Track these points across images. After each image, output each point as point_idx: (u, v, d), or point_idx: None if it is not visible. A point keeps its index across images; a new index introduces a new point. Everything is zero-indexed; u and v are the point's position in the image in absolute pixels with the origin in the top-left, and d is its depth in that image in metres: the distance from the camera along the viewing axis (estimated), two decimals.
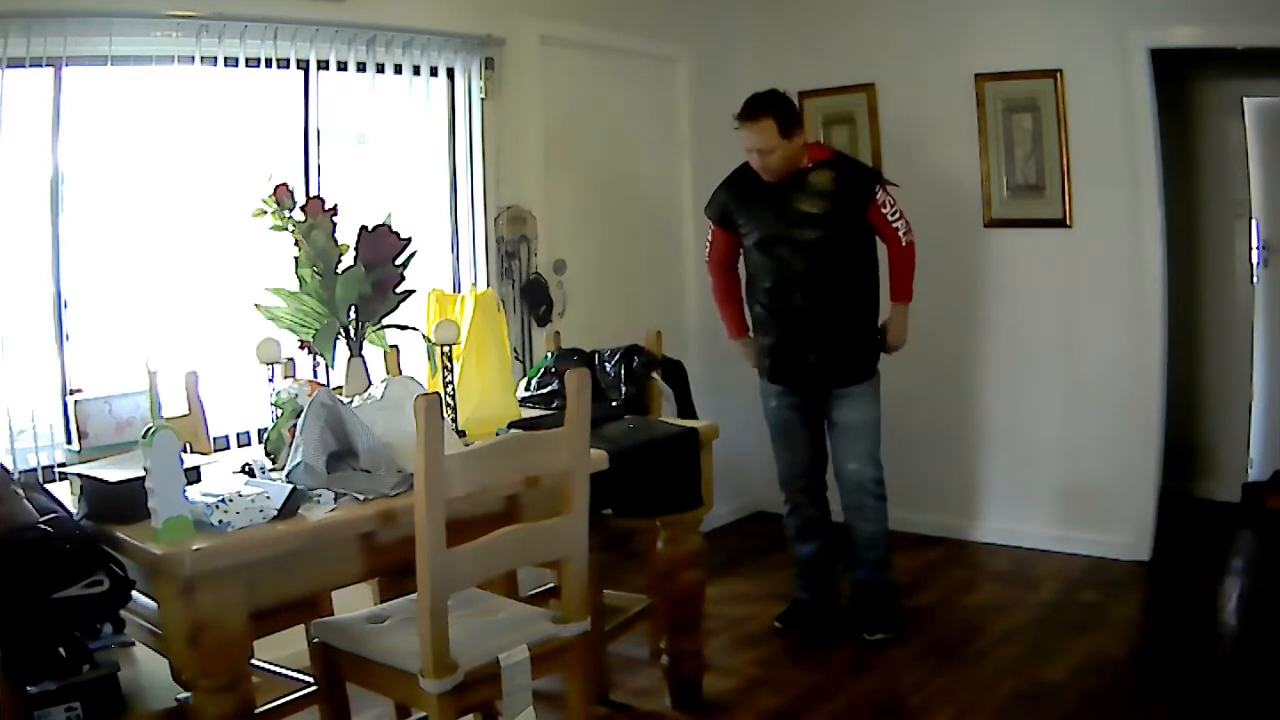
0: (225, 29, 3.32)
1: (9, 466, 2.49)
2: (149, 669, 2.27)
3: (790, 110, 3.55)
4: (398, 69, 3.81)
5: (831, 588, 3.90)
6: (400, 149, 3.86)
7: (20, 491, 2.16)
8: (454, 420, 2.76)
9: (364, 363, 2.78)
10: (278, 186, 2.66)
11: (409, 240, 2.74)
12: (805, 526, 3.82)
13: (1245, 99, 4.90)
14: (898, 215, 3.62)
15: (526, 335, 4.29)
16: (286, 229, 2.66)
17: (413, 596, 2.18)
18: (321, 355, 2.71)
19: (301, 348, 2.76)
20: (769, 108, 3.52)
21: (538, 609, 2.58)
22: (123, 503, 2.13)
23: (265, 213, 2.67)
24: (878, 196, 3.59)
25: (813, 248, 3.57)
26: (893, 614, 3.76)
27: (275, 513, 2.11)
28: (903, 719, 3.16)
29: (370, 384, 2.71)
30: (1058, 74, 4.33)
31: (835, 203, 3.54)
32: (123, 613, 2.15)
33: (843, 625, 3.79)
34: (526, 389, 3.41)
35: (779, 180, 3.57)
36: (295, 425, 2.37)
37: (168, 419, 2.63)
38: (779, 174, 3.56)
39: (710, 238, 3.88)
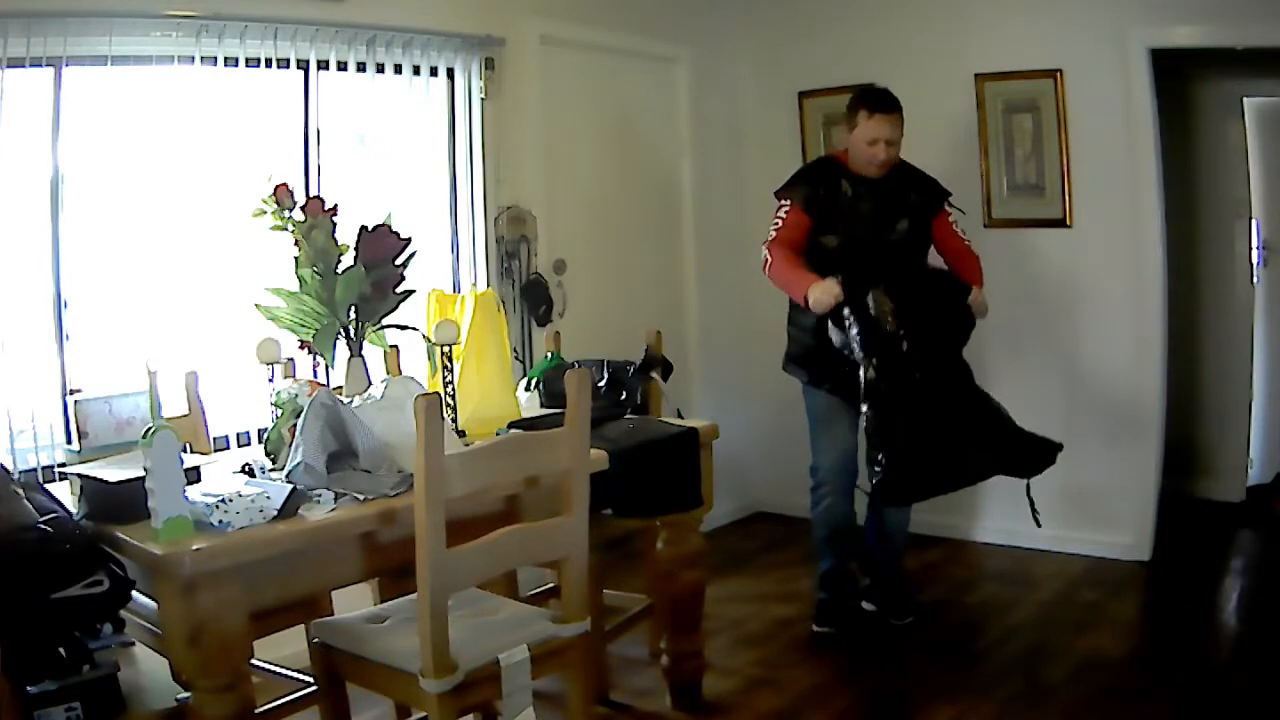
0: (225, 29, 3.32)
1: (9, 466, 2.49)
2: (149, 669, 2.27)
3: None
4: (398, 69, 3.81)
5: (852, 586, 3.91)
6: (400, 149, 3.86)
7: (20, 491, 2.16)
8: (454, 420, 2.76)
9: (364, 363, 2.78)
10: (278, 186, 2.66)
11: (409, 240, 2.74)
12: (841, 527, 3.72)
13: (1245, 99, 4.90)
14: (964, 233, 3.79)
15: (526, 335, 4.29)
16: (286, 229, 2.66)
17: (413, 596, 2.18)
18: (321, 355, 2.71)
19: (301, 348, 2.76)
20: (899, 103, 3.59)
21: (538, 609, 2.58)
22: (123, 503, 2.13)
23: (265, 213, 2.67)
24: (948, 207, 3.75)
25: (899, 249, 3.64)
26: (914, 598, 3.92)
27: (275, 513, 2.11)
28: (902, 719, 3.16)
29: (370, 384, 2.71)
30: (1058, 74, 4.34)
31: (919, 206, 3.67)
32: (123, 613, 2.15)
33: (866, 617, 3.87)
34: (527, 389, 3.41)
35: (878, 178, 3.62)
36: (295, 425, 2.37)
37: (168, 419, 2.63)
38: (889, 168, 3.63)
39: (783, 218, 3.63)
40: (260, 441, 2.96)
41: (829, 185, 3.63)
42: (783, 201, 3.67)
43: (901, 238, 3.63)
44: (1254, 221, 5.03)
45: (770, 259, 3.60)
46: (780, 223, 3.64)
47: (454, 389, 2.79)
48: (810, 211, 3.61)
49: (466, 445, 2.41)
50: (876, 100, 3.57)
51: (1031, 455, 3.49)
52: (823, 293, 3.39)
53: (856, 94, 3.66)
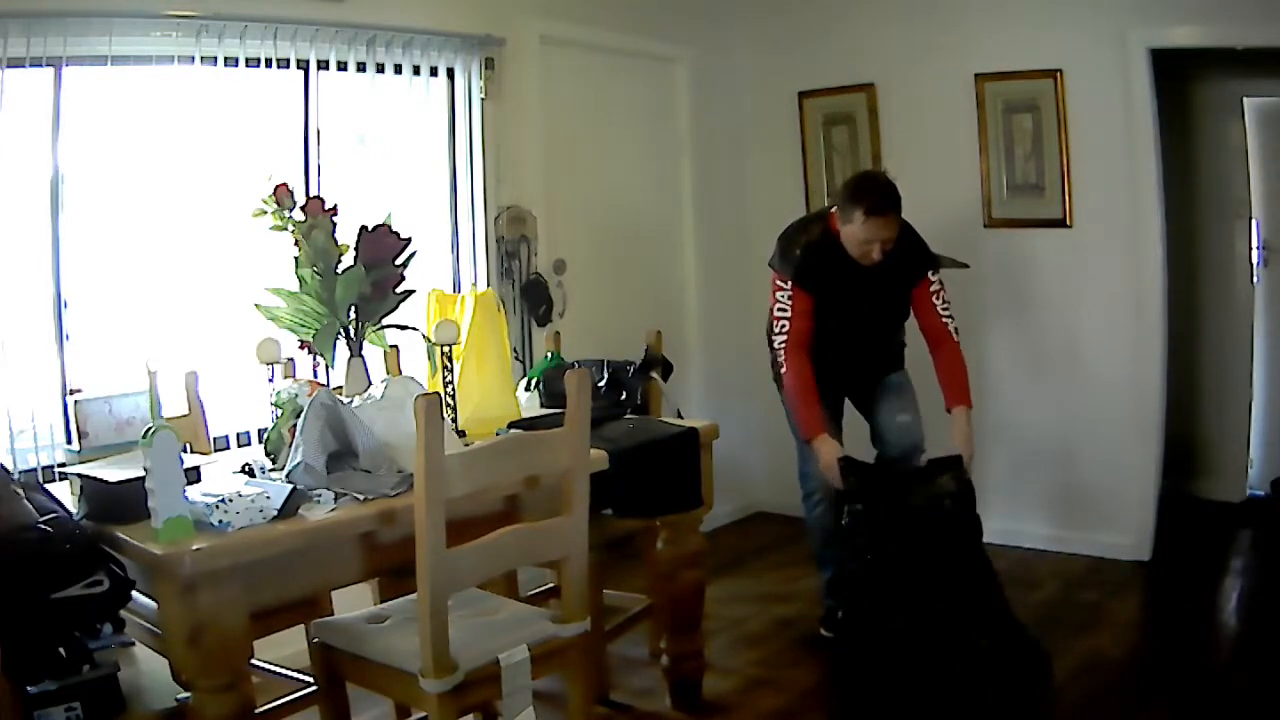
0: (225, 29, 3.32)
1: (9, 466, 2.49)
2: (149, 669, 2.26)
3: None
4: (398, 69, 3.81)
5: None
6: (400, 149, 3.86)
7: (20, 491, 2.16)
8: (454, 420, 2.77)
9: (364, 363, 2.78)
10: (278, 186, 2.66)
11: (409, 240, 2.74)
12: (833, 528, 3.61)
13: (1245, 99, 4.90)
14: (946, 306, 3.53)
15: (526, 335, 4.29)
16: (286, 229, 2.66)
17: (413, 596, 2.18)
18: (321, 355, 2.71)
19: (301, 348, 2.77)
20: (897, 199, 3.32)
21: (538, 609, 2.59)
22: (123, 503, 2.13)
23: (265, 213, 2.67)
24: (930, 277, 3.52)
25: (889, 311, 3.60)
26: None
27: (275, 513, 2.11)
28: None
29: (370, 384, 2.71)
30: (1058, 74, 4.34)
31: (898, 269, 3.47)
32: (123, 613, 2.15)
33: None
34: (527, 389, 3.41)
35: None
36: (295, 425, 2.37)
37: (168, 419, 2.63)
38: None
39: (789, 306, 3.45)
40: (260, 441, 2.96)
41: (824, 265, 3.46)
42: (783, 284, 3.48)
43: (892, 311, 3.60)
44: (1254, 221, 5.03)
45: (786, 368, 3.47)
46: (789, 311, 3.46)
47: (454, 389, 2.79)
48: (809, 287, 3.47)
49: (466, 445, 2.41)
50: (876, 203, 3.28)
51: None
52: (826, 465, 3.34)
53: (853, 187, 3.39)
